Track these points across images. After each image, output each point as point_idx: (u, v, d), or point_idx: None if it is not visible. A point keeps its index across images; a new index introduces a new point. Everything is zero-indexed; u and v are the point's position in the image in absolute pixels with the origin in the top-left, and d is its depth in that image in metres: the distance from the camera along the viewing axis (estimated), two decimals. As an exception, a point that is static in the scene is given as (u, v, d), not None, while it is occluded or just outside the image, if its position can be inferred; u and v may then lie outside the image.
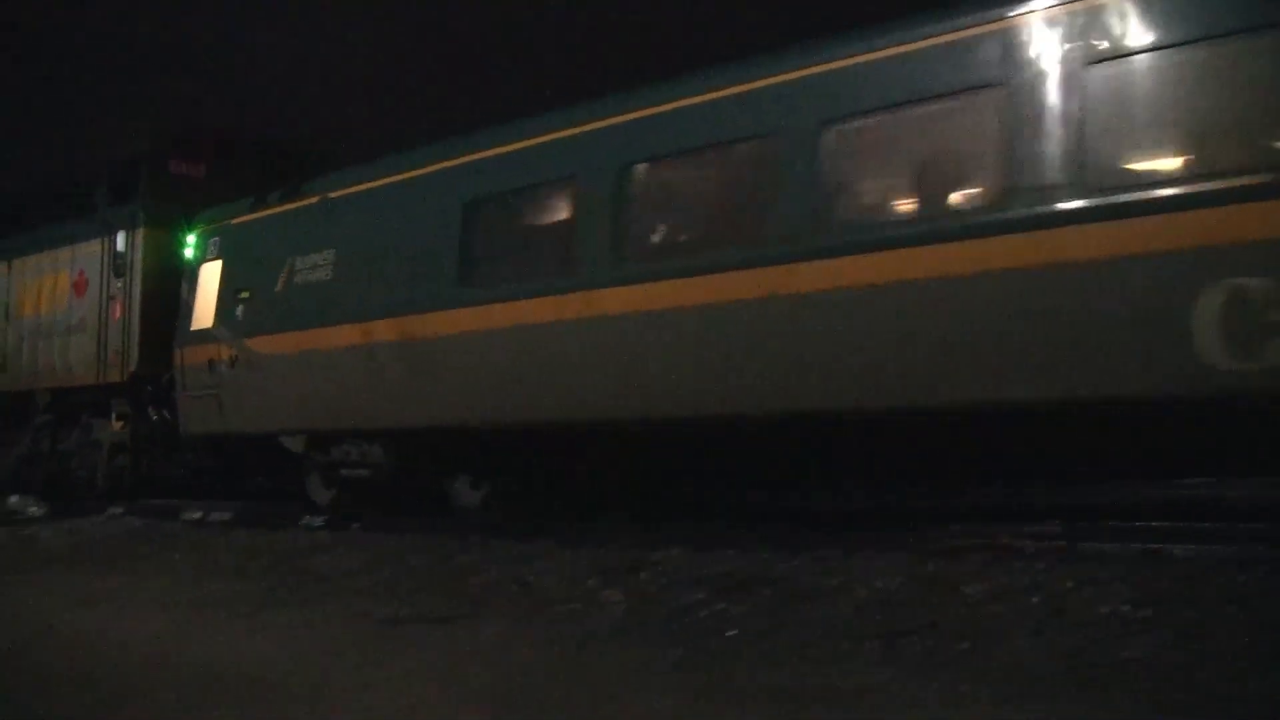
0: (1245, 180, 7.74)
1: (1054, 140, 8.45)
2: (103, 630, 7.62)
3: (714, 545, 9.48)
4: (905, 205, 9.82)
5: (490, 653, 6.50)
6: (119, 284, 16.45)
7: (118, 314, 16.38)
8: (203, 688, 5.78)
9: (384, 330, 12.72)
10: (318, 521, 13.10)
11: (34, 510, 17.23)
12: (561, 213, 11.86)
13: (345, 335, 13.14)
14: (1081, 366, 8.30)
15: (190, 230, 15.76)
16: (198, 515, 14.83)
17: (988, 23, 8.91)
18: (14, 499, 18.10)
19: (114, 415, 16.59)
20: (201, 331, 15.15)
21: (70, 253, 17.61)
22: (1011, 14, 8.79)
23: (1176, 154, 8.44)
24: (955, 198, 9.45)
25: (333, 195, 13.83)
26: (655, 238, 11.15)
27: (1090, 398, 8.43)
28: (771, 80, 10.09)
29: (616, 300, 10.72)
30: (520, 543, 10.43)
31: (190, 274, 15.69)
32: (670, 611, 7.45)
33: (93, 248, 17.07)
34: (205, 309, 15.19)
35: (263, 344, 14.27)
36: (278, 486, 15.64)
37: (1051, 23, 8.58)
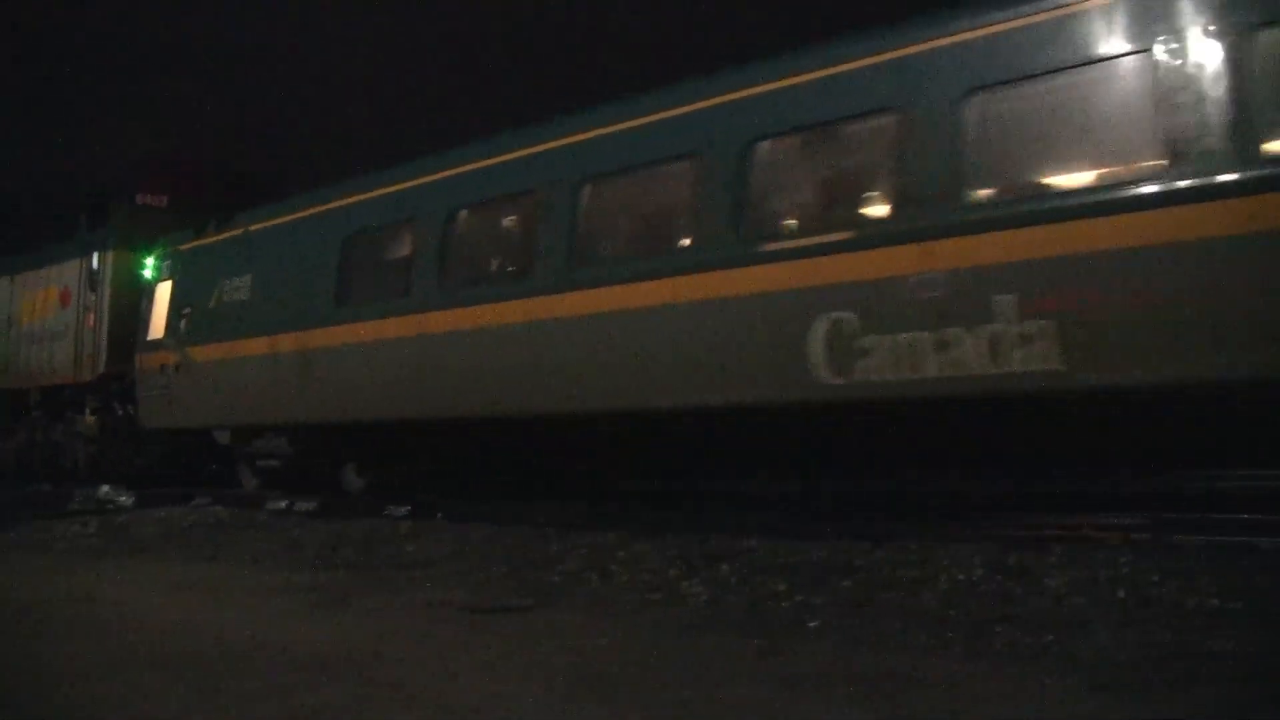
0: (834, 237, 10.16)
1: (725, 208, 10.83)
2: (193, 617, 7.74)
3: (794, 536, 9.48)
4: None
5: (571, 642, 6.53)
6: (93, 297, 19.46)
7: (91, 323, 19.36)
8: (290, 673, 5.86)
9: (284, 342, 15.37)
10: (401, 511, 13.24)
11: (124, 499, 17.57)
12: (405, 249, 14.38)
13: (256, 346, 15.88)
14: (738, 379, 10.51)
15: (149, 253, 18.67)
16: (283, 505, 15.04)
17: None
18: (105, 488, 18.51)
19: (87, 410, 19.69)
20: (155, 340, 17.96)
21: (59, 270, 20.58)
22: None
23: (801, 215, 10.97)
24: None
25: (251, 228, 16.62)
26: (465, 272, 13.57)
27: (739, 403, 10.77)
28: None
29: (440, 321, 13.19)
30: (600, 533, 10.47)
31: (148, 291, 18.48)
32: (751, 602, 7.46)
33: (74, 266, 20.05)
34: (159, 321, 17.98)
35: (198, 352, 17.02)
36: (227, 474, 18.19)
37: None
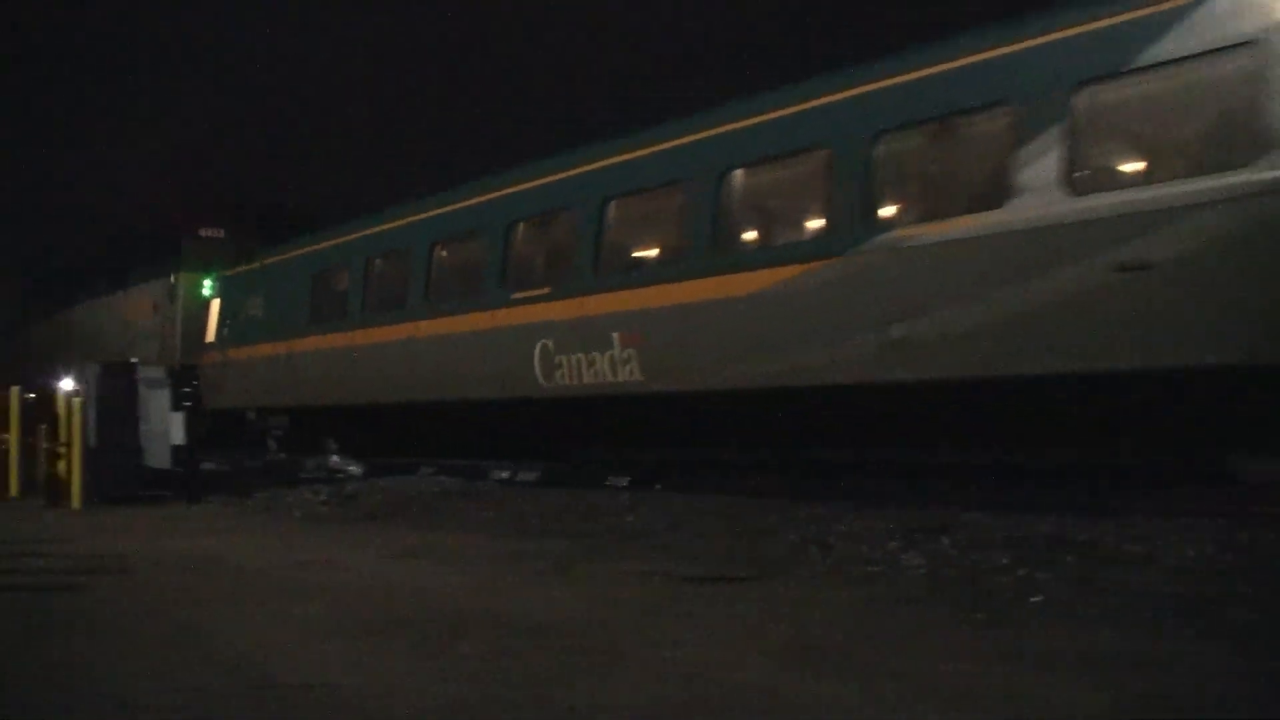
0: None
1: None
2: (418, 583, 7.99)
3: (1016, 508, 9.34)
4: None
5: (790, 613, 6.56)
6: (171, 308, 26.22)
7: (169, 328, 26.15)
8: (509, 638, 6.01)
9: (281, 347, 21.41)
10: (623, 482, 13.45)
11: (353, 469, 18.25)
12: (343, 285, 20.28)
13: (265, 349, 22.00)
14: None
15: (209, 276, 25.36)
16: (506, 474, 15.42)
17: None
18: (334, 458, 19.27)
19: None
20: (209, 343, 24.45)
21: (150, 286, 27.52)
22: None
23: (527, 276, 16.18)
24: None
25: (265, 261, 22.82)
26: (376, 303, 19.25)
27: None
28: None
29: (363, 336, 18.95)
30: (819, 505, 10.46)
31: (205, 305, 25.00)
32: (972, 575, 7.38)
33: (159, 284, 26.97)
34: (211, 329, 24.47)
35: (233, 353, 23.40)
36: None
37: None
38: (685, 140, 13.74)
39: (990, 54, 10.79)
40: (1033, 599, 6.66)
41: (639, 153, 14.34)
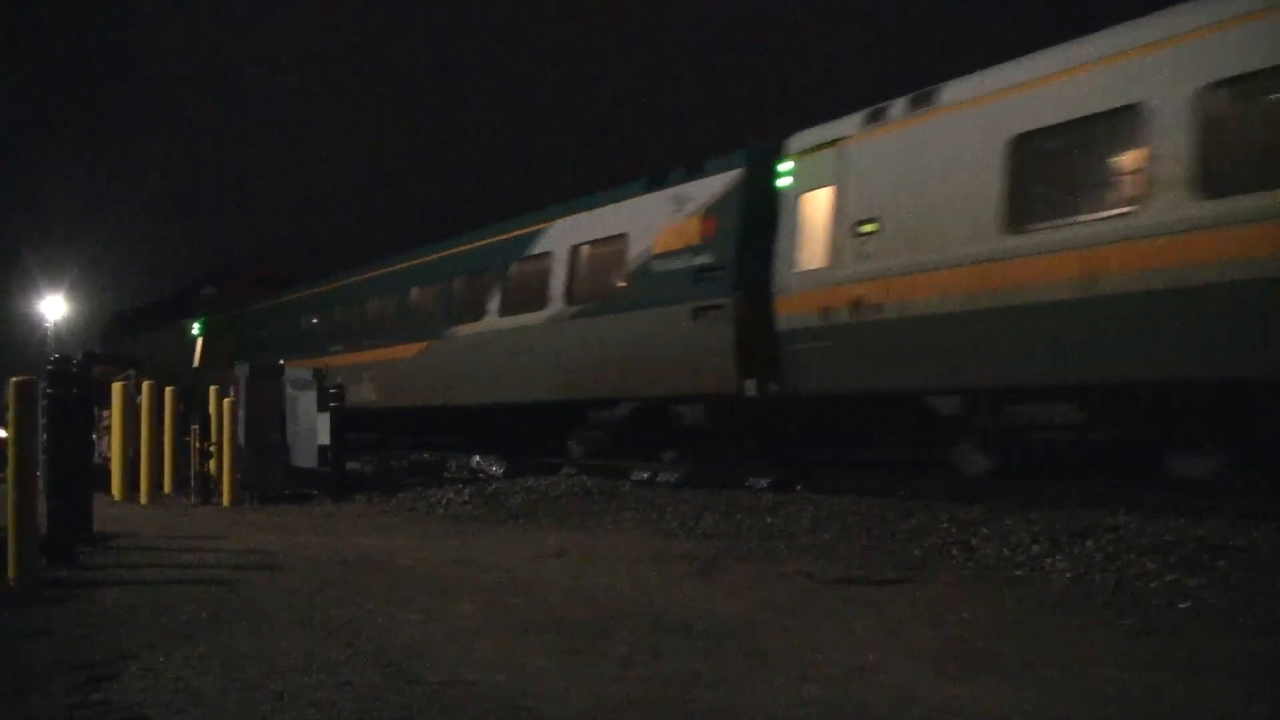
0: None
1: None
2: (564, 582, 8.07)
3: (1165, 512, 9.14)
4: None
5: (934, 616, 6.53)
6: (200, 341, 35.46)
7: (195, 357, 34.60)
8: (658, 638, 6.07)
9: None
10: (763, 482, 13.42)
11: (494, 469, 18.46)
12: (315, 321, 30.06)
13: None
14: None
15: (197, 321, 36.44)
16: (646, 475, 15.46)
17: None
18: (477, 458, 19.49)
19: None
20: (195, 367, 32.32)
21: (184, 325, 37.62)
22: None
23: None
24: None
25: (235, 311, 34.31)
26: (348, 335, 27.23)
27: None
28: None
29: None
30: (962, 507, 10.35)
31: (197, 339, 35.15)
32: (1119, 580, 7.26)
33: (195, 324, 36.79)
34: (197, 356, 33.95)
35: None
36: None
37: None
38: (396, 267, 25.92)
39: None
40: (1182, 605, 6.53)
41: (382, 270, 26.58)
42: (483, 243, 21.96)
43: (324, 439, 16.80)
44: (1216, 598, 6.63)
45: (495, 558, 9.44)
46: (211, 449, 15.98)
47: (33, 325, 54.63)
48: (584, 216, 18.82)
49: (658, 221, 16.85)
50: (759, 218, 15.09)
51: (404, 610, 7.04)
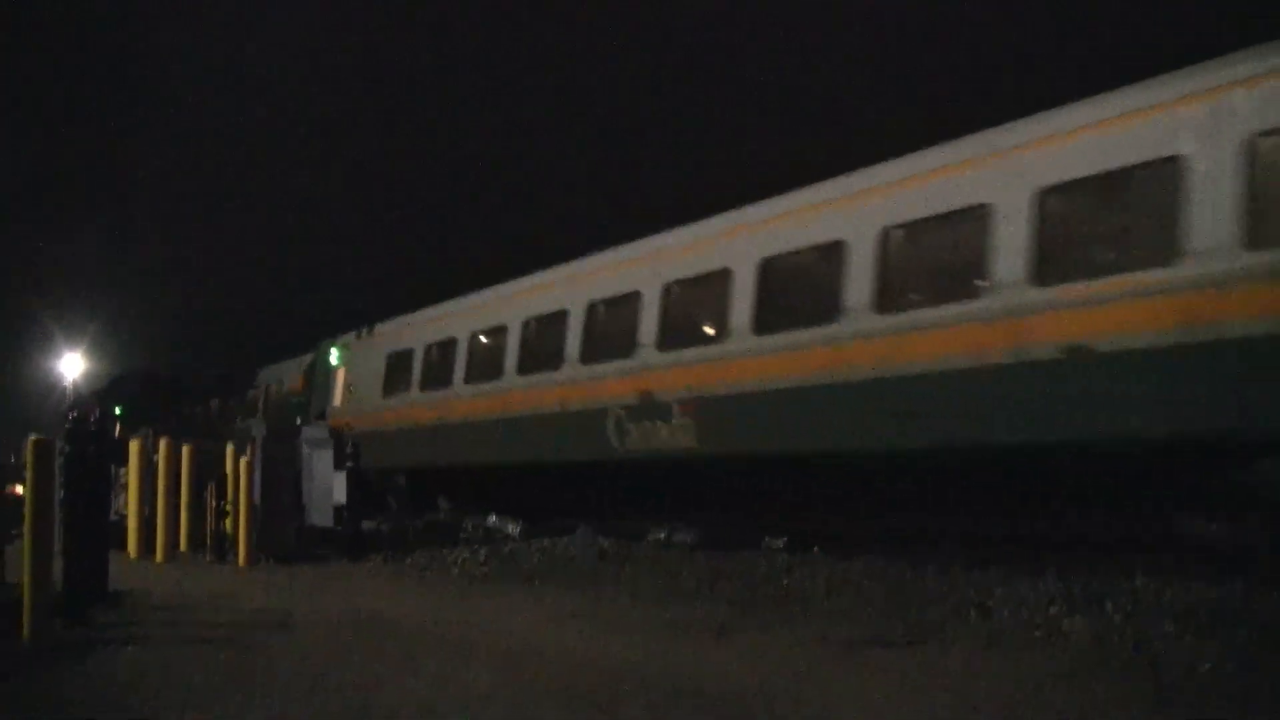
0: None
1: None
2: (579, 646, 8.04)
3: (1182, 577, 9.09)
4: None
5: (953, 680, 6.48)
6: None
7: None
8: (673, 705, 6.04)
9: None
10: (779, 543, 13.38)
11: (510, 529, 18.43)
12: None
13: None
14: None
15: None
16: (661, 536, 15.43)
17: None
18: (493, 519, 19.46)
19: None
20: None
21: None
22: None
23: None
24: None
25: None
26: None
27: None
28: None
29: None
30: (978, 570, 10.31)
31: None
32: (1137, 644, 7.20)
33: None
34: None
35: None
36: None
37: None
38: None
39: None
40: (1202, 669, 6.47)
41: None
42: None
43: (340, 498, 16.80)
44: (1236, 664, 6.56)
45: (510, 621, 9.40)
46: (228, 508, 15.99)
47: (51, 383, 54.86)
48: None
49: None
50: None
51: (416, 675, 7.02)
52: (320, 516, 16.86)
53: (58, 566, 8.96)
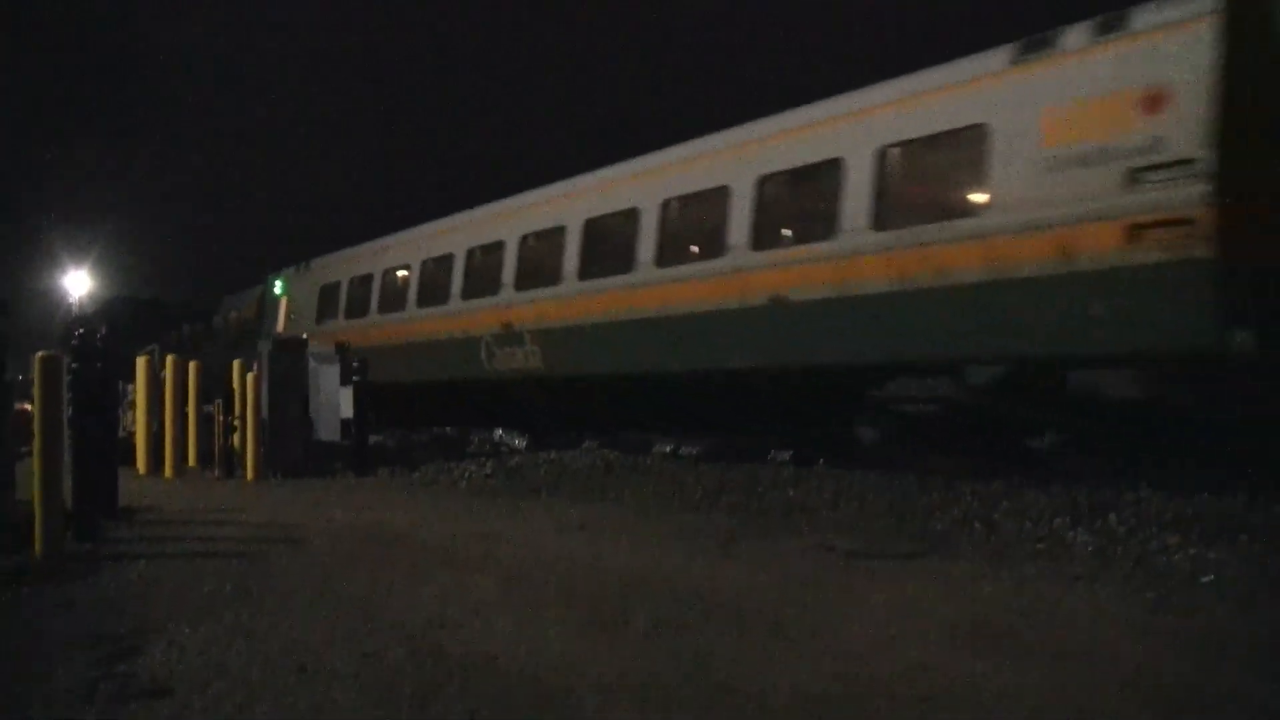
0: None
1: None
2: (585, 556, 8.09)
3: (1187, 487, 9.12)
4: None
5: (955, 591, 6.52)
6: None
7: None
8: (678, 613, 6.08)
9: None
10: (784, 456, 13.43)
11: (517, 443, 18.51)
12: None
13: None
14: None
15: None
16: (668, 449, 15.49)
17: None
18: (499, 432, 19.56)
19: None
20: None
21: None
22: None
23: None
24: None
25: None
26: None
27: None
28: None
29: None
30: (983, 482, 10.34)
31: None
32: (1141, 555, 7.25)
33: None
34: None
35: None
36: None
37: None
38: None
39: None
40: (1204, 579, 6.52)
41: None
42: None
43: (346, 413, 16.86)
44: (1238, 572, 6.61)
45: (518, 532, 9.45)
46: (235, 424, 16.06)
47: (57, 300, 54.89)
48: None
49: None
50: None
51: (425, 584, 7.08)
52: (327, 431, 16.95)
53: (67, 484, 9.00)
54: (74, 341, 10.03)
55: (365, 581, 7.24)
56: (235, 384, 16.20)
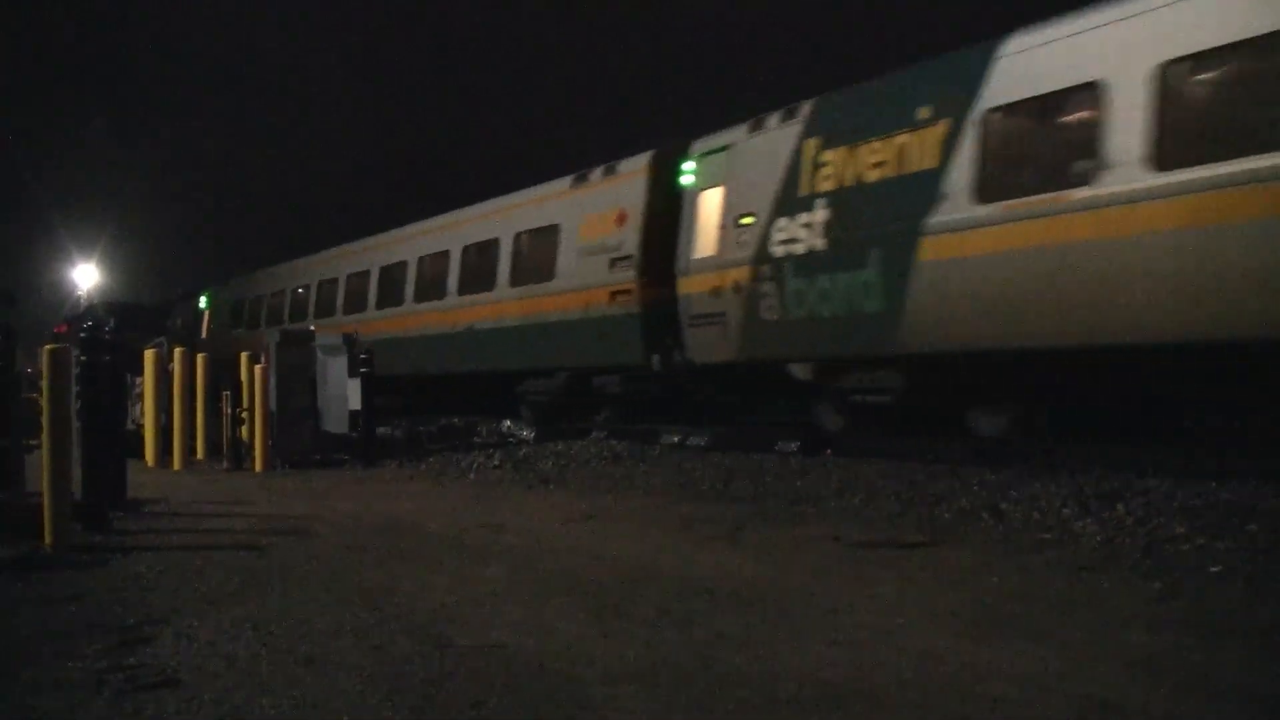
0: None
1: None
2: (593, 546, 8.10)
3: (1197, 476, 9.10)
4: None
5: (962, 579, 6.52)
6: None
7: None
8: (686, 602, 6.09)
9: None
10: (792, 446, 13.43)
11: (525, 434, 18.51)
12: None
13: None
14: None
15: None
16: (676, 439, 15.49)
17: None
18: (507, 423, 19.57)
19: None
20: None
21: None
22: None
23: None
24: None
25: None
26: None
27: None
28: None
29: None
30: (992, 471, 10.33)
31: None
32: (1148, 544, 7.23)
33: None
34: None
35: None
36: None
37: None
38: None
39: None
40: (1212, 568, 6.51)
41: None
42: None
43: (354, 404, 16.87)
44: (1246, 562, 6.60)
45: (526, 522, 9.47)
46: (243, 415, 16.08)
47: (65, 292, 55.05)
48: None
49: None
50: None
51: (432, 574, 7.09)
52: (335, 422, 16.96)
53: (76, 475, 9.02)
54: (81, 334, 10.05)
55: (372, 571, 7.26)
56: (243, 375, 16.22)
